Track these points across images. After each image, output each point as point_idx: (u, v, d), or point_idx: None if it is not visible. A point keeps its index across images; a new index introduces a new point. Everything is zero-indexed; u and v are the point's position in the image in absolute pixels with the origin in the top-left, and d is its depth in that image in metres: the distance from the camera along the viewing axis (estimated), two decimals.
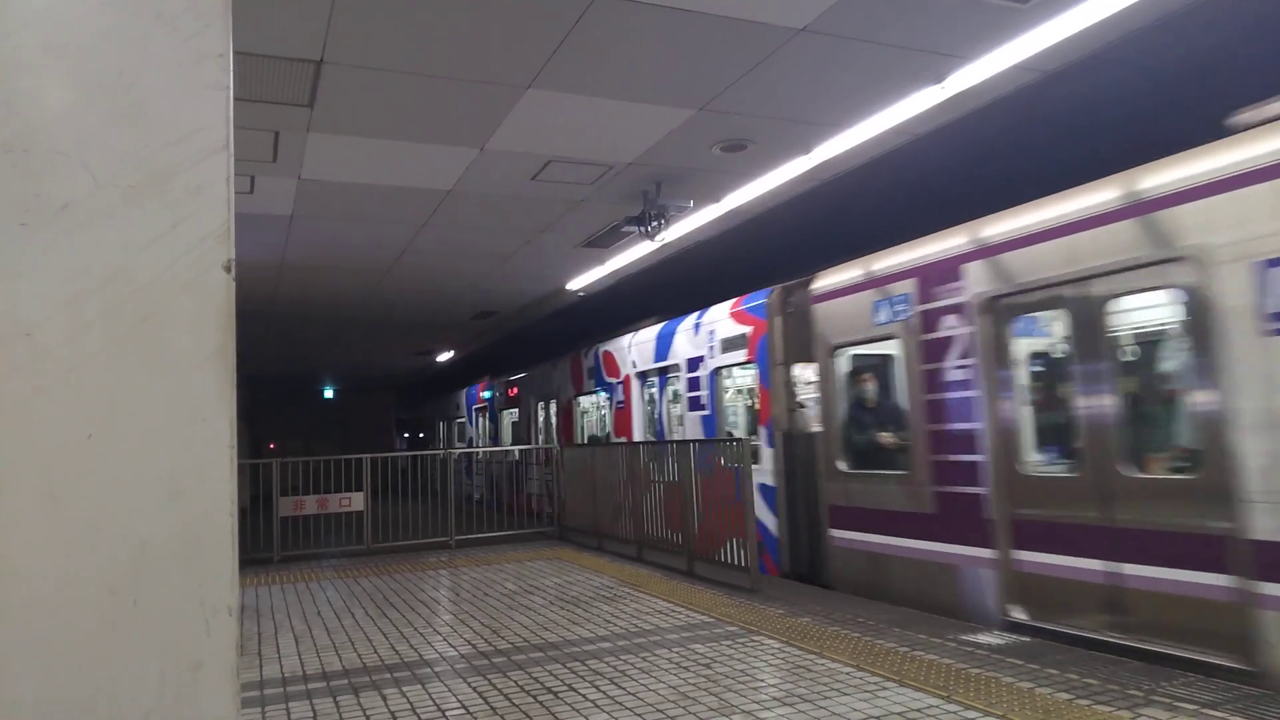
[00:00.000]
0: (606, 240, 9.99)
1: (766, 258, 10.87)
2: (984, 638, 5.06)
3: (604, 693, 4.30)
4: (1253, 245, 4.07)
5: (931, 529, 6.04)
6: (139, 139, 1.27)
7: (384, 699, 4.40)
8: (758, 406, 8.32)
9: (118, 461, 1.21)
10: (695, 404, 9.35)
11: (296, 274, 11.24)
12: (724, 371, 9.01)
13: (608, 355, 11.92)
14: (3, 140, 1.20)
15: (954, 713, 3.77)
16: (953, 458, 5.86)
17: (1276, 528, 3.98)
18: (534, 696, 4.30)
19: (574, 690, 4.37)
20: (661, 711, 3.98)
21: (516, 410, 17.02)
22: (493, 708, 4.17)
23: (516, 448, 15.42)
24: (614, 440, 11.51)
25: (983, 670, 4.37)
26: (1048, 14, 4.98)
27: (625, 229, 9.05)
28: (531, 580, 7.83)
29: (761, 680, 4.38)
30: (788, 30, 5.13)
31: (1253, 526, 4.06)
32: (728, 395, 9.31)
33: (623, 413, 11.43)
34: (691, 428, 9.44)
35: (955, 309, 5.83)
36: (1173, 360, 4.98)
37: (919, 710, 3.82)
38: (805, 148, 7.19)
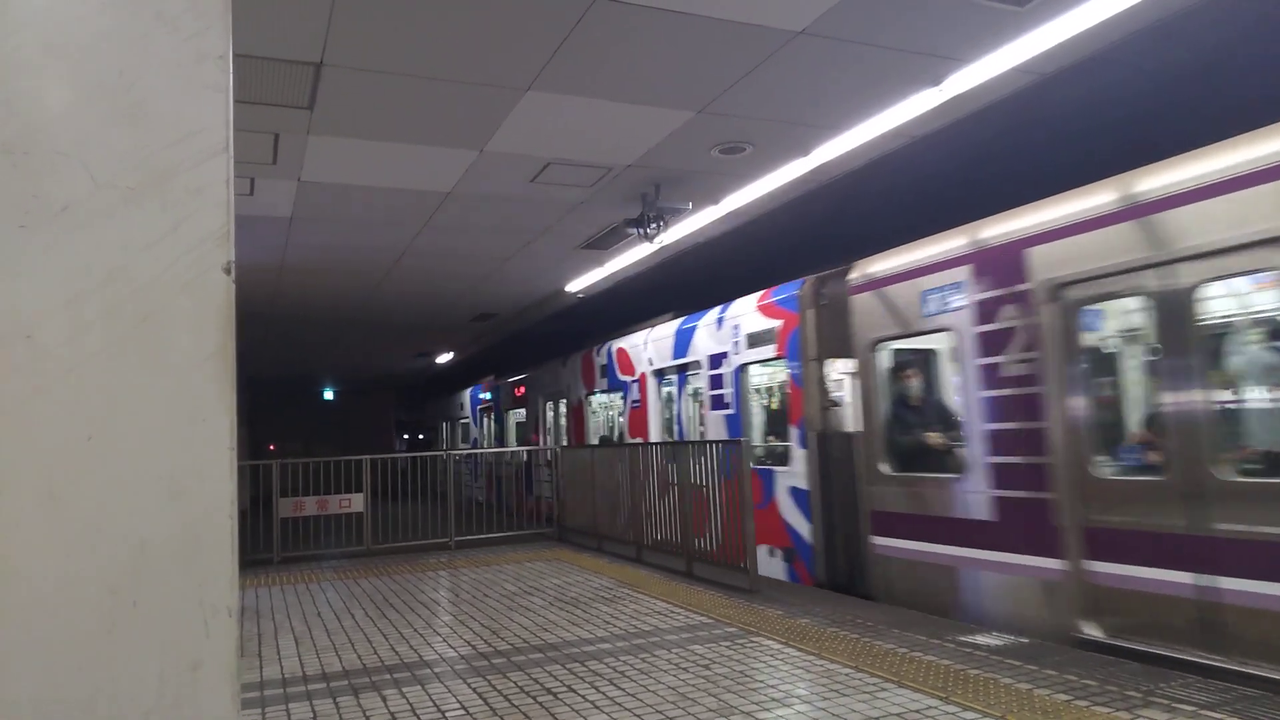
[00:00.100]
0: (606, 242, 9.99)
1: (766, 259, 10.87)
2: (982, 639, 5.06)
3: (603, 693, 4.30)
4: None
5: (990, 537, 5.56)
6: (139, 140, 1.27)
7: (384, 700, 4.40)
8: (787, 405, 7.90)
9: (118, 462, 1.22)
10: (718, 403, 8.93)
11: (296, 276, 11.25)
12: (750, 368, 8.60)
13: (622, 352, 11.48)
14: (3, 141, 1.20)
15: (953, 714, 3.77)
16: (1015, 459, 5.38)
17: None
18: (533, 697, 4.30)
19: (573, 691, 4.37)
20: (661, 712, 3.98)
21: (523, 410, 16.54)
22: (492, 708, 4.17)
23: (524, 449, 14.98)
24: (628, 441, 11.10)
25: (981, 671, 4.37)
26: (1046, 16, 4.99)
27: (624, 231, 9.06)
28: (531, 581, 7.83)
29: (760, 681, 4.38)
30: (786, 33, 5.14)
31: None
32: (754, 393, 8.88)
33: (638, 412, 11.00)
34: (714, 428, 9.01)
35: (1017, 298, 5.34)
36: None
37: (918, 711, 3.82)
38: (804, 150, 7.20)
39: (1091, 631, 4.88)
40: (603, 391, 12.47)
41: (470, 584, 7.90)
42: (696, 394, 9.75)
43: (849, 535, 6.99)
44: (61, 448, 1.19)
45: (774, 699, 4.09)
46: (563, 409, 14.28)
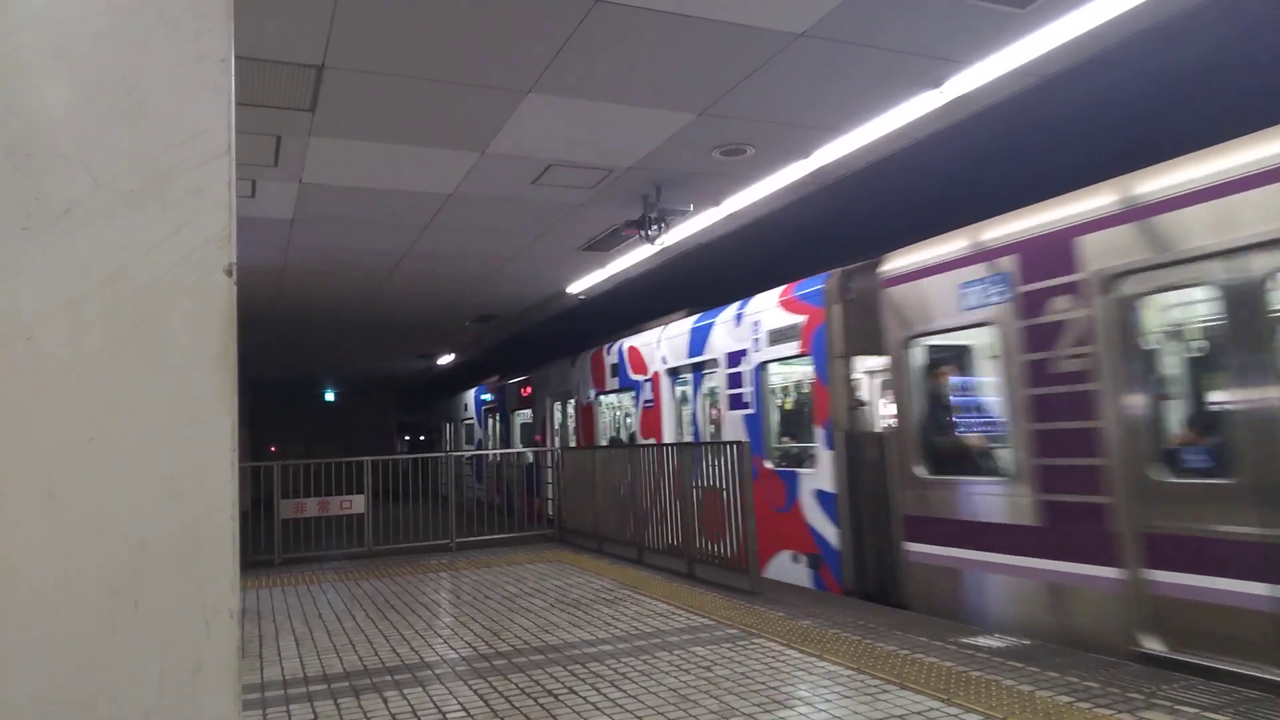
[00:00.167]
0: (607, 244, 10.00)
1: (766, 260, 10.87)
2: (984, 641, 5.06)
3: (604, 695, 4.30)
4: None
5: (1037, 543, 5.21)
6: (140, 142, 1.28)
7: (385, 701, 4.40)
8: (812, 404, 7.53)
9: (119, 463, 1.22)
10: (737, 402, 8.58)
11: (298, 278, 11.26)
12: (771, 366, 8.25)
13: (633, 351, 11.12)
14: (6, 143, 1.21)
15: (954, 715, 3.77)
16: (1065, 461, 5.02)
17: None
18: (534, 699, 4.30)
19: (574, 693, 4.37)
20: (662, 714, 3.98)
21: (530, 411, 16.16)
22: (493, 710, 4.16)
23: (531, 450, 14.54)
24: (640, 442, 10.69)
25: (983, 673, 4.36)
26: (1046, 18, 4.99)
27: (625, 233, 9.06)
28: (532, 583, 7.83)
29: (762, 683, 4.37)
30: (787, 35, 5.14)
31: None
32: (775, 392, 8.54)
33: (651, 412, 10.64)
34: (732, 428, 8.65)
35: (1069, 289, 4.99)
36: None
37: (919, 713, 3.82)
38: (805, 152, 7.20)
39: (1153, 645, 4.52)
40: (613, 391, 12.14)
41: (471, 585, 7.90)
42: (713, 393, 9.47)
43: (880, 541, 6.65)
44: (62, 448, 1.19)
45: (775, 701, 4.08)
46: (571, 409, 13.94)
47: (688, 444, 9.03)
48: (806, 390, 7.89)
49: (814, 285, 7.49)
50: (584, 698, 4.28)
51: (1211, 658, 4.27)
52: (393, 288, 12.21)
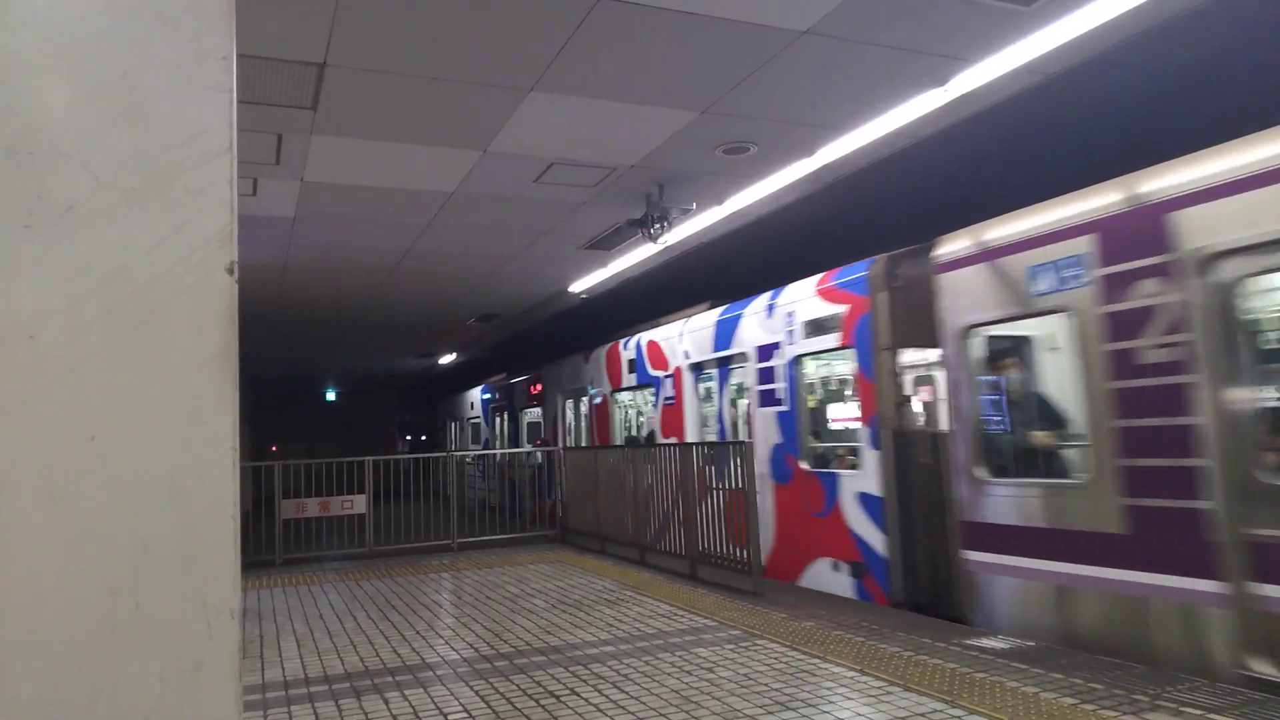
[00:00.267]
0: (609, 243, 9.99)
1: (769, 260, 10.86)
2: (988, 642, 5.04)
3: (606, 696, 4.30)
4: None
5: (1121, 553, 4.73)
6: (141, 141, 1.27)
7: (386, 702, 4.39)
8: (855, 401, 7.04)
9: (120, 462, 1.21)
10: (769, 398, 8.04)
11: (299, 276, 11.26)
12: (807, 360, 7.74)
13: (653, 345, 10.54)
14: (7, 142, 1.20)
15: (958, 717, 3.75)
16: (1156, 462, 4.56)
17: None
18: (536, 700, 4.30)
19: (576, 694, 4.36)
20: (664, 716, 3.97)
21: (540, 409, 15.50)
22: (495, 711, 4.16)
23: (540, 450, 13.96)
24: (661, 441, 10.11)
25: (987, 674, 4.35)
26: (1051, 17, 4.98)
27: (628, 231, 9.05)
28: (534, 583, 7.83)
29: (764, 684, 4.37)
30: (790, 33, 5.13)
31: None
32: (812, 388, 8.02)
33: (672, 410, 10.08)
34: (764, 426, 8.12)
35: (1160, 270, 4.52)
36: None
37: (923, 715, 3.81)
38: (808, 150, 7.19)
39: (1263, 668, 4.04)
40: (630, 388, 11.61)
41: (473, 586, 7.89)
42: (741, 389, 8.99)
43: (934, 549, 6.15)
44: (63, 448, 1.19)
45: (778, 702, 4.08)
46: (584, 407, 13.37)
47: (688, 444, 9.01)
48: (848, 385, 7.42)
49: (856, 272, 6.97)
50: (586, 699, 4.28)
51: None
52: (394, 286, 12.21)
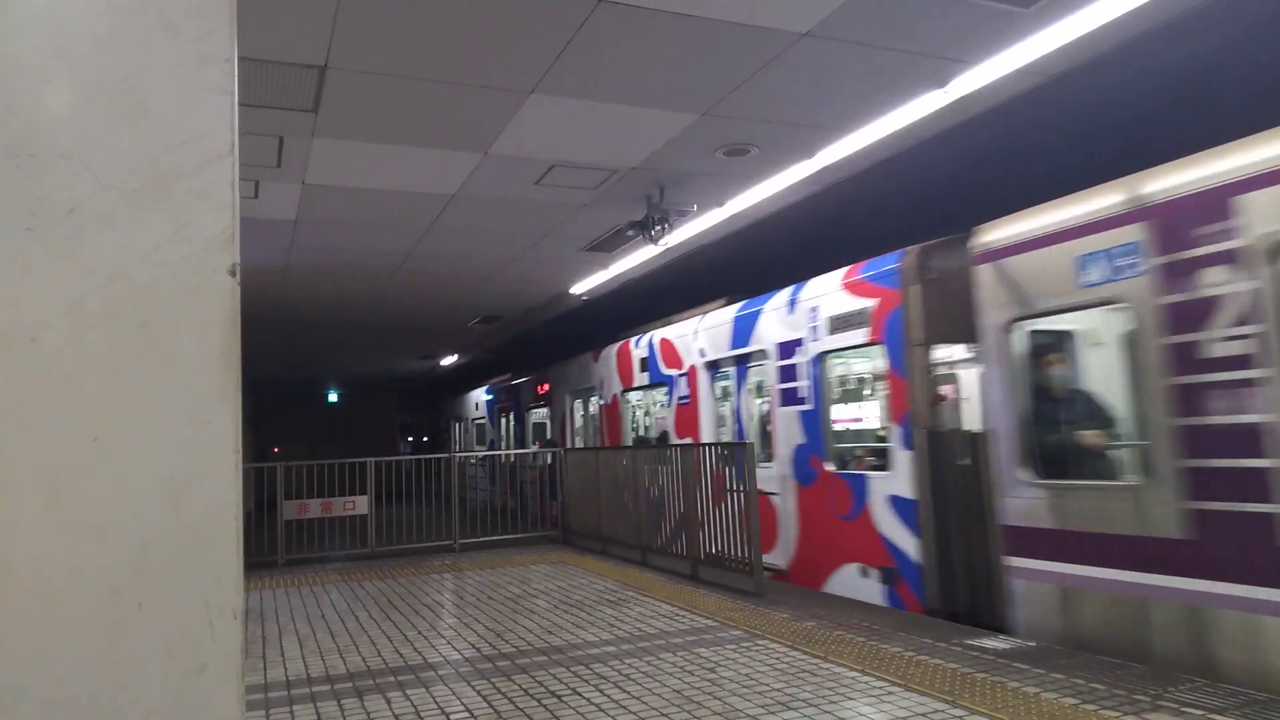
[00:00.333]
0: (610, 244, 10.00)
1: (766, 263, 10.86)
2: (990, 642, 5.04)
3: (608, 696, 4.30)
4: None
5: (1183, 560, 4.46)
6: (143, 143, 1.28)
7: (388, 702, 4.39)
8: (885, 399, 6.74)
9: (122, 463, 1.22)
10: (791, 397, 7.78)
11: (301, 278, 11.28)
12: (832, 356, 7.43)
13: (666, 343, 10.26)
14: (8, 144, 1.21)
15: (960, 718, 3.75)
16: (1222, 463, 4.28)
17: None
18: (538, 700, 4.30)
19: (578, 694, 4.36)
20: (665, 716, 3.98)
21: (547, 409, 15.19)
22: (496, 711, 4.16)
23: (548, 450, 13.57)
24: (677, 442, 9.78)
25: (989, 675, 4.35)
26: (1051, 18, 4.98)
27: (628, 233, 9.05)
28: (535, 584, 7.83)
29: (766, 685, 4.37)
30: (790, 35, 5.14)
31: None
32: (838, 385, 7.73)
33: (686, 409, 9.78)
34: (786, 426, 7.84)
35: (1226, 258, 4.24)
36: None
37: (924, 715, 3.81)
38: (808, 152, 7.19)
39: None
40: (642, 388, 11.27)
41: (474, 586, 7.89)
42: (760, 388, 8.71)
43: (972, 555, 5.82)
44: (66, 449, 1.19)
45: (779, 703, 4.08)
46: (593, 407, 13.04)
47: (690, 445, 9.00)
48: (878, 383, 7.11)
49: (886, 265, 6.66)
50: (588, 699, 4.28)
51: None
52: (396, 289, 12.23)
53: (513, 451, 16.29)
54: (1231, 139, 4.36)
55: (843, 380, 7.80)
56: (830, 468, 7.28)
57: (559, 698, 4.32)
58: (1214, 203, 4.33)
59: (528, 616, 6.35)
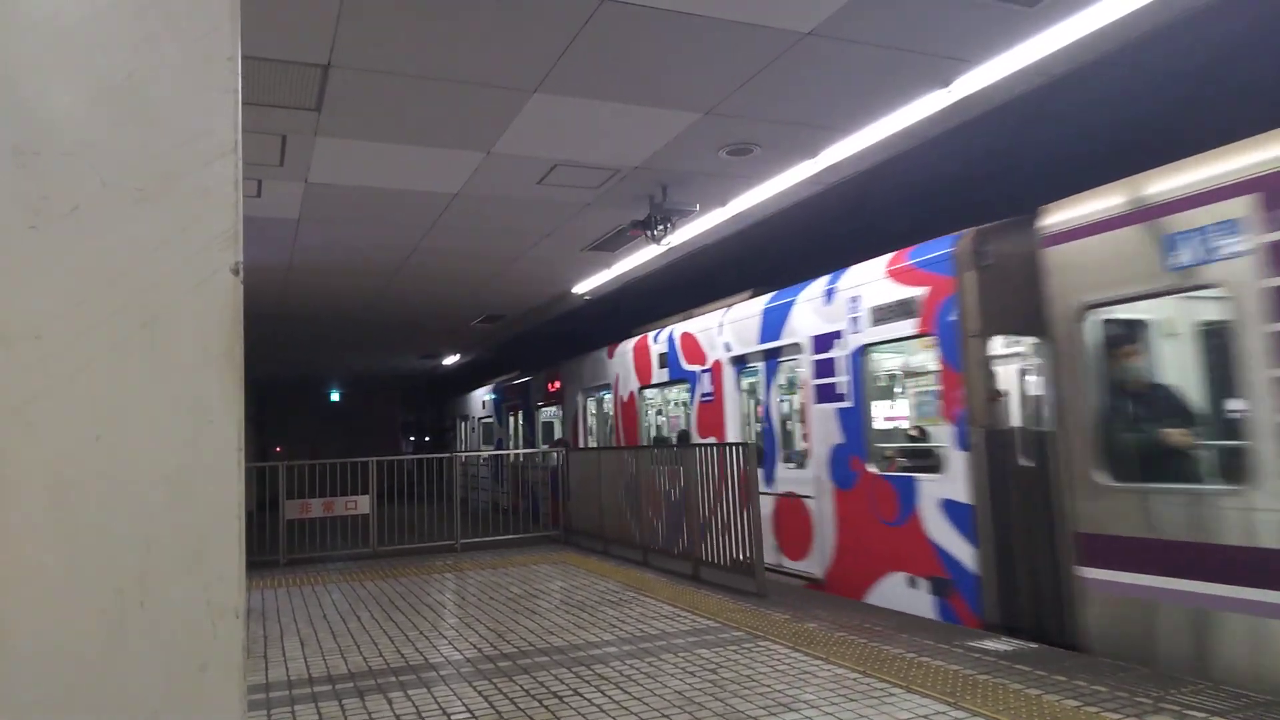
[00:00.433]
0: (612, 244, 10.00)
1: (762, 262, 10.85)
2: (991, 644, 5.03)
3: (609, 697, 4.29)
4: None
5: None
6: (147, 141, 1.27)
7: (389, 703, 4.39)
8: (936, 395, 6.29)
9: (125, 462, 1.21)
10: (828, 394, 7.32)
11: (303, 277, 11.28)
12: (875, 350, 7.01)
13: (688, 338, 9.85)
14: (12, 142, 1.21)
15: (961, 719, 3.75)
16: None
17: None
18: (539, 701, 4.30)
19: (579, 695, 4.36)
20: (667, 717, 3.97)
21: (558, 407, 14.77)
22: (498, 712, 4.16)
23: (558, 450, 13.06)
24: (699, 441, 9.35)
25: (990, 677, 4.34)
26: (1056, 17, 4.97)
27: (631, 233, 9.05)
28: (537, 584, 7.83)
29: (767, 686, 4.36)
30: (793, 34, 5.13)
31: None
32: (881, 380, 7.30)
33: (710, 407, 9.32)
34: (822, 424, 7.38)
35: None
36: None
37: (926, 717, 3.80)
38: (811, 151, 7.19)
39: None
40: (661, 384, 10.87)
41: (476, 587, 7.90)
42: (792, 384, 8.33)
43: (1038, 565, 5.44)
44: (68, 447, 1.19)
45: (781, 704, 4.07)
46: (608, 405, 12.58)
47: (692, 446, 9.00)
48: (928, 378, 6.71)
49: (938, 250, 6.23)
50: (589, 700, 4.28)
51: None
52: (398, 288, 12.24)
53: (521, 451, 16.00)
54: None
55: (891, 375, 7.35)
56: (873, 469, 6.85)
57: (560, 698, 4.32)
58: None
59: (529, 617, 6.35)
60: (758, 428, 8.89)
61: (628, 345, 11.66)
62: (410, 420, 32.41)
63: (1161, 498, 4.62)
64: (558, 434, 14.98)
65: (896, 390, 7.53)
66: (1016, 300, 5.57)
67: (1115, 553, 4.80)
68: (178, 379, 1.25)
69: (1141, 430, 4.88)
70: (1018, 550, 5.57)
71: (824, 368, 7.40)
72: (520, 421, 17.33)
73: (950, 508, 6.00)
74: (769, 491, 7.93)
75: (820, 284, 7.58)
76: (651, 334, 10.91)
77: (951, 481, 6.00)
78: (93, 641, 1.18)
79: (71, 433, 1.19)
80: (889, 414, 7.56)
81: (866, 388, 7.02)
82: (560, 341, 16.12)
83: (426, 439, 31.05)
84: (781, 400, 8.52)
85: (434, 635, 5.89)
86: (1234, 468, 4.43)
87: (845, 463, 7.01)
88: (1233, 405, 4.45)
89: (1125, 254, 4.77)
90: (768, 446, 8.40)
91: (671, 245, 9.14)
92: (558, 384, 14.62)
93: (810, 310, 7.63)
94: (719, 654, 5.01)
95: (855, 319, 7.02)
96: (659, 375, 10.67)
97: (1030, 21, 5.02)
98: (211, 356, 1.27)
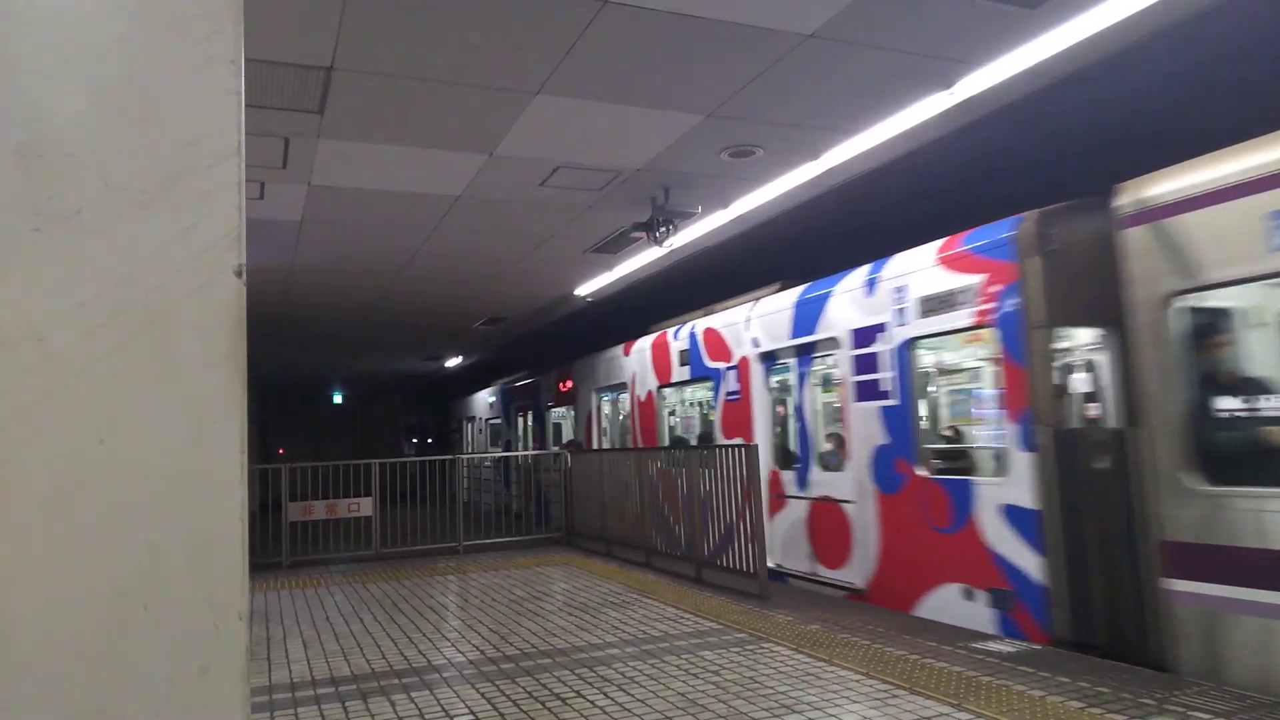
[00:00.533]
0: (614, 246, 10.00)
1: (765, 262, 10.84)
2: (995, 645, 5.02)
3: (612, 699, 4.29)
4: None
5: None
6: (150, 144, 1.28)
7: (392, 704, 4.39)
8: (997, 391, 5.77)
9: (127, 464, 1.22)
10: (870, 391, 6.83)
11: (306, 279, 11.30)
12: (924, 343, 6.49)
13: (711, 333, 9.36)
14: (15, 145, 1.21)
15: None
16: None
17: None
18: (542, 703, 4.29)
19: (582, 696, 4.36)
20: (669, 718, 3.97)
21: (570, 408, 14.28)
22: (501, 714, 4.16)
23: (569, 450, 12.63)
24: (724, 442, 8.82)
25: (994, 678, 4.33)
26: (1058, 19, 4.97)
27: (633, 235, 9.05)
28: (540, 586, 7.82)
29: (770, 688, 4.36)
30: (796, 36, 5.13)
31: None
32: (931, 376, 6.85)
33: (736, 406, 8.82)
34: (862, 423, 6.89)
35: None
36: None
37: (929, 718, 3.79)
38: (813, 153, 7.19)
39: None
40: (681, 383, 10.31)
41: (479, 589, 7.89)
42: (828, 381, 7.88)
43: (1115, 576, 5.00)
44: (71, 450, 1.19)
45: (784, 705, 4.07)
46: (624, 405, 12.07)
47: (693, 447, 8.99)
48: (987, 374, 6.16)
49: (996, 234, 5.75)
50: (591, 702, 4.27)
51: None
52: (401, 290, 12.25)
53: (530, 453, 15.60)
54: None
55: (938, 369, 6.92)
56: (922, 472, 6.34)
57: (563, 700, 4.32)
58: None
59: (532, 619, 6.35)
60: (793, 426, 8.38)
61: (645, 342, 11.14)
62: (413, 422, 32.42)
63: (1268, 503, 4.15)
64: (572, 435, 14.56)
65: (980, 384, 6.75)
66: (1087, 287, 5.20)
67: (1213, 564, 4.32)
68: (181, 381, 1.25)
69: (1239, 429, 4.41)
70: (1092, 560, 5.11)
71: (865, 363, 6.91)
72: (530, 422, 16.88)
73: (1013, 513, 5.52)
74: (802, 495, 7.61)
75: (860, 274, 7.08)
76: (671, 330, 10.38)
77: (1015, 485, 5.51)
78: (96, 643, 1.18)
79: (75, 435, 1.19)
80: (969, 410, 6.87)
81: (915, 384, 6.56)
82: (560, 341, 16.12)
83: (429, 441, 31.06)
84: (816, 398, 8.05)
85: (437, 637, 5.89)
86: None
87: (890, 464, 6.58)
88: None
89: (1221, 234, 4.30)
90: (801, 447, 8.05)
91: (674, 247, 9.14)
92: (570, 383, 14.14)
93: (849, 302, 7.15)
94: (722, 656, 5.00)
95: (901, 310, 6.53)
96: (679, 373, 10.13)
97: (1033, 23, 5.02)
98: (214, 359, 1.27)
